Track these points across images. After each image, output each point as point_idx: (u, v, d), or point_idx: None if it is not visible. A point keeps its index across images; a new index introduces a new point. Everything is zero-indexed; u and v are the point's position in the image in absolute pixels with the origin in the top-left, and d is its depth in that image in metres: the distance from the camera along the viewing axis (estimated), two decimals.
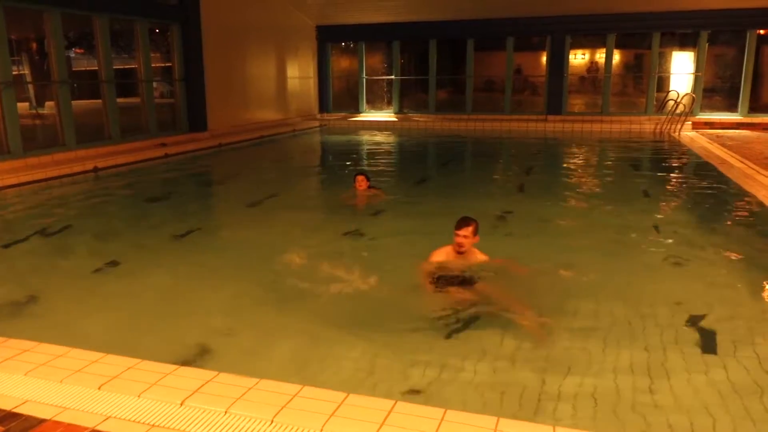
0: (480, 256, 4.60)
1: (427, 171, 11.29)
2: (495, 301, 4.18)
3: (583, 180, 9.77)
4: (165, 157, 11.53)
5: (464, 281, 4.32)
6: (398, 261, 5.01)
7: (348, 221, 6.56)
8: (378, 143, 15.45)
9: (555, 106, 17.67)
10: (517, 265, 4.84)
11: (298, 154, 13.82)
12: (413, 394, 3.03)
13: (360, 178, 7.47)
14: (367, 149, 14.58)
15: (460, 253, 4.50)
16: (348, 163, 11.83)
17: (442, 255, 4.60)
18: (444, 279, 4.38)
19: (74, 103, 10.95)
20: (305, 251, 5.51)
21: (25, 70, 11.15)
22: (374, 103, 19.88)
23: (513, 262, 4.84)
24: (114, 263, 5.13)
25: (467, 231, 4.45)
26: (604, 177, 10.12)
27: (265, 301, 4.31)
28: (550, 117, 17.41)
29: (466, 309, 4.03)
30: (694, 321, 3.88)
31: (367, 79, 19.73)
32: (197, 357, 3.43)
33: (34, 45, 11.32)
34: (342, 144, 15.42)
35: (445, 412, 2.53)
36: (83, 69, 12.62)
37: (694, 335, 3.71)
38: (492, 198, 8.11)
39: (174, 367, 2.98)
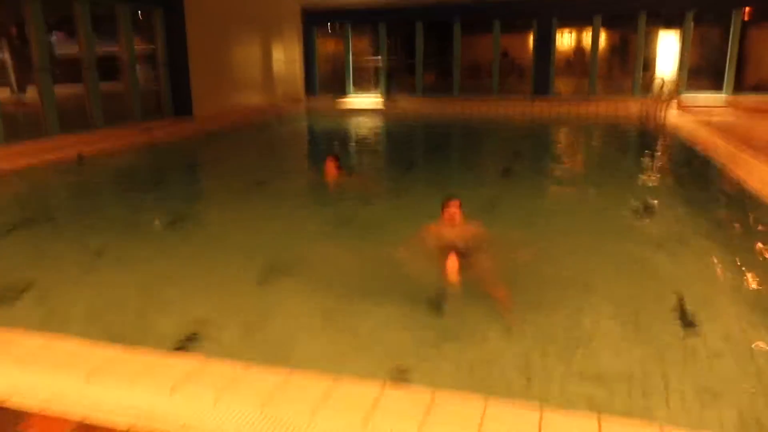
0: (471, 225, 4.78)
1: (412, 154, 11.27)
2: (482, 276, 4.28)
3: (569, 162, 9.82)
4: (150, 142, 11.40)
5: (459, 251, 4.42)
6: (386, 241, 5.03)
7: (332, 205, 6.60)
8: (364, 126, 15.38)
9: (542, 88, 17.67)
10: (498, 242, 4.95)
11: (284, 138, 13.74)
12: (401, 374, 3.05)
13: (330, 161, 7.34)
14: (354, 132, 14.51)
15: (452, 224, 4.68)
16: (335, 144, 11.78)
17: (434, 227, 4.78)
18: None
19: (57, 88, 10.78)
20: (293, 235, 5.56)
21: (5, 56, 10.94)
22: (361, 86, 19.77)
23: (492, 237, 4.94)
24: (100, 251, 5.09)
25: (456, 203, 4.66)
26: (590, 159, 10.18)
27: (253, 285, 4.31)
28: (537, 99, 17.42)
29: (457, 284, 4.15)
30: (676, 304, 3.93)
31: (353, 63, 19.59)
32: (187, 344, 3.42)
33: (14, 30, 11.09)
34: (328, 127, 15.34)
35: (434, 394, 2.56)
36: (66, 54, 12.42)
37: (675, 318, 3.76)
38: (478, 182, 8.13)
39: (163, 354, 2.98)
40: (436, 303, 3.87)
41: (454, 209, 4.69)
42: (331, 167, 7.36)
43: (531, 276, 4.38)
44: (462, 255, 4.38)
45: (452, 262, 4.24)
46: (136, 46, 12.85)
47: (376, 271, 4.58)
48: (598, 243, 5.22)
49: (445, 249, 4.42)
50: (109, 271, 4.65)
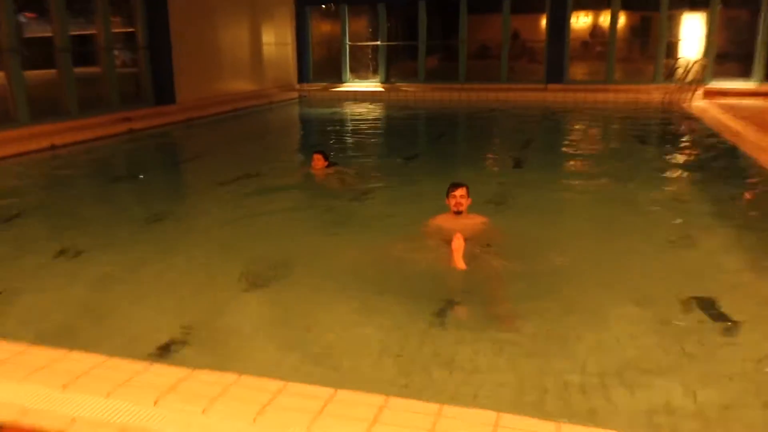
0: (477, 217, 5.01)
1: (416, 146, 11.27)
2: (487, 273, 4.35)
3: (586, 154, 9.82)
4: (129, 132, 11.40)
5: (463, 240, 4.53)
6: (385, 239, 5.08)
7: (328, 202, 6.63)
8: (363, 116, 15.36)
9: (555, 74, 17.66)
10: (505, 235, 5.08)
11: (275, 128, 13.75)
12: (403, 387, 3.04)
13: (316, 156, 7.58)
14: (351, 122, 14.51)
15: (458, 213, 4.91)
16: (330, 138, 11.78)
17: (439, 219, 4.99)
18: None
19: (27, 74, 10.76)
20: (284, 233, 5.56)
21: None
22: (359, 72, 19.75)
23: (499, 232, 5.08)
24: (76, 251, 5.08)
25: (462, 191, 4.90)
26: (609, 150, 10.18)
27: (242, 289, 4.30)
28: (550, 86, 17.41)
29: (461, 281, 4.23)
30: (701, 303, 3.93)
31: (350, 46, 19.56)
32: (171, 353, 3.42)
33: None
34: (324, 117, 15.32)
35: (441, 408, 2.55)
36: (37, 36, 12.38)
37: (701, 316, 3.76)
38: (487, 174, 8.13)
39: (146, 363, 2.97)
40: (439, 311, 3.85)
41: (460, 196, 4.87)
42: (318, 163, 7.52)
43: (543, 275, 4.38)
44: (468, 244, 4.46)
45: (458, 242, 4.30)
46: (113, 28, 12.83)
47: (374, 271, 4.59)
48: (617, 239, 5.22)
49: (450, 236, 4.50)
50: (82, 274, 4.63)
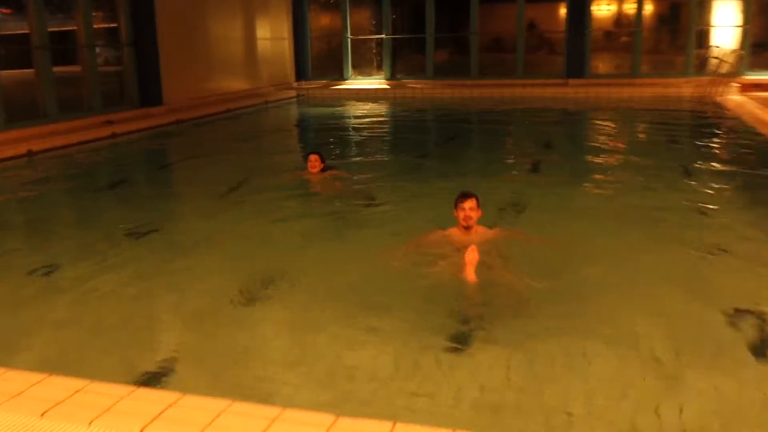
0: (488, 232, 5.00)
1: (424, 148, 11.29)
2: (505, 287, 4.37)
3: (611, 155, 9.79)
4: (112, 137, 11.47)
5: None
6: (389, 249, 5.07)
7: (327, 210, 6.65)
8: (366, 115, 15.41)
9: (576, 67, 17.67)
10: (528, 236, 5.18)
11: (271, 130, 13.79)
12: (411, 413, 3.04)
13: (313, 157, 7.57)
14: (354, 123, 14.56)
15: (466, 228, 4.85)
16: (331, 140, 11.82)
17: (448, 233, 4.95)
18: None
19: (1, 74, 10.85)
20: (281, 245, 5.58)
21: None
22: (362, 68, 19.82)
23: (522, 233, 5.17)
24: (54, 267, 5.10)
25: (472, 203, 4.81)
26: (636, 151, 10.14)
27: (236, 307, 4.31)
28: (571, 81, 17.43)
29: (472, 301, 4.23)
30: (736, 320, 3.91)
31: (352, 40, 19.65)
32: (159, 377, 3.43)
33: None
34: (324, 117, 15.39)
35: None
36: (12, 33, 12.50)
37: (738, 336, 3.74)
38: (501, 179, 8.12)
39: (132, 388, 2.98)
40: (452, 332, 3.85)
41: (469, 209, 4.80)
42: (313, 165, 7.54)
43: (566, 292, 4.36)
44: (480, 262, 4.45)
45: (472, 255, 4.31)
46: (95, 23, 12.93)
47: (378, 286, 4.60)
48: (648, 250, 5.20)
49: (462, 250, 4.51)
50: (61, 292, 4.65)
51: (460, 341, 3.72)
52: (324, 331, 3.92)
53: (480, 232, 4.97)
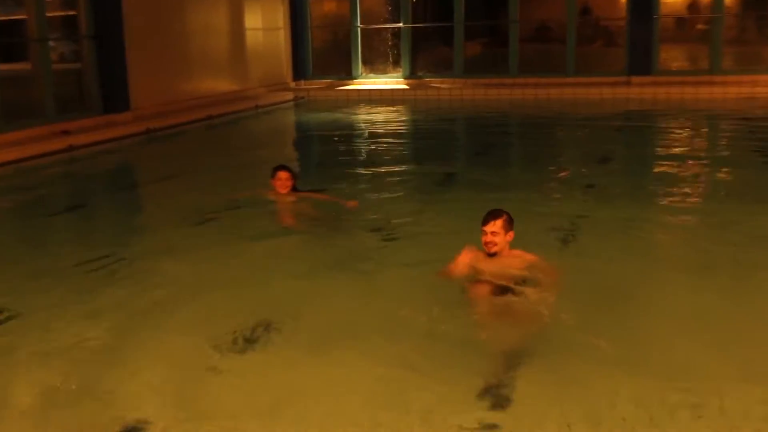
0: (524, 256, 5.09)
1: (452, 162, 11.29)
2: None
3: (685, 172, 9.72)
4: (69, 150, 11.57)
5: (498, 290, 4.68)
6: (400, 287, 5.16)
7: (323, 238, 6.74)
8: (380, 123, 15.47)
9: (641, 62, 17.66)
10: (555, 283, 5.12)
11: (263, 142, 13.76)
12: None
13: (282, 174, 7.46)
14: (365, 132, 14.60)
15: (491, 255, 5.01)
16: (339, 152, 11.83)
17: (468, 257, 5.13)
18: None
19: None
20: (268, 281, 5.64)
21: None
22: (374, 65, 19.91)
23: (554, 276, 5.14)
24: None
25: (495, 225, 4.94)
26: (718, 167, 10.08)
27: (217, 356, 4.36)
28: (634, 78, 17.41)
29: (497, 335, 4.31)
30: None
31: (363, 30, 19.77)
32: None
33: None
34: (327, 125, 15.40)
35: None
36: None
37: None
38: (547, 201, 8.12)
39: None
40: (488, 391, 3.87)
41: (491, 233, 4.95)
42: (283, 184, 7.49)
43: (616, 344, 4.37)
44: (503, 290, 4.60)
45: (480, 291, 4.40)
46: (49, 12, 13.04)
47: (382, 330, 4.65)
48: (734, 296, 5.17)
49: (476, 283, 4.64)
50: (9, 341, 4.69)
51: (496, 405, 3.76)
52: (318, 386, 3.96)
53: (511, 256, 5.06)
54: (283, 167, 7.64)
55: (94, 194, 9.69)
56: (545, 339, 4.48)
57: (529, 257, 5.13)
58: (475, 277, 5.04)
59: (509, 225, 4.99)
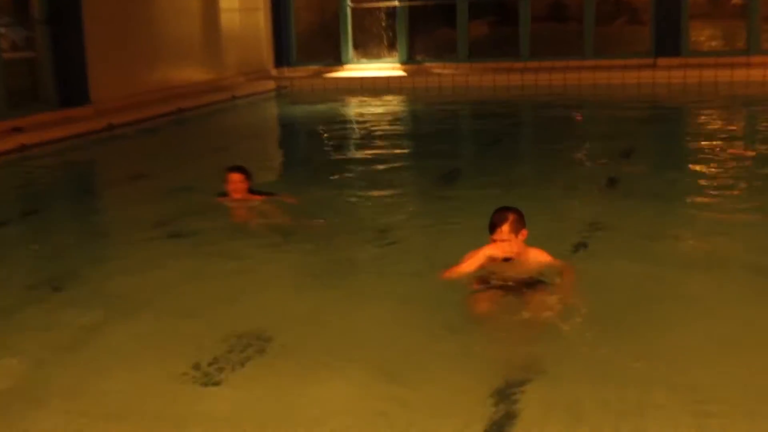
0: (539, 256, 5.22)
1: (456, 157, 11.30)
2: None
3: (719, 167, 9.74)
4: (21, 150, 11.56)
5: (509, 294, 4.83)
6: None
7: (320, 256, 6.67)
8: (374, 114, 15.48)
9: (669, 42, 17.66)
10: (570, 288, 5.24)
11: (241, 137, 13.75)
12: None
13: (235, 177, 7.51)
14: (356, 126, 14.60)
15: (506, 260, 5.10)
16: (328, 150, 11.83)
17: (482, 258, 5.16)
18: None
19: None
20: (250, 295, 5.67)
21: None
22: (367, 49, 19.91)
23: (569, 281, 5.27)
24: None
25: (502, 232, 4.99)
26: (757, 162, 10.10)
27: (195, 382, 4.34)
28: (661, 60, 17.42)
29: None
30: None
31: (353, 9, 19.77)
32: None
33: None
34: (313, 118, 15.41)
35: None
36: None
37: None
38: (566, 200, 8.13)
39: None
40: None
41: (501, 231, 5.00)
42: (236, 188, 7.53)
43: (636, 357, 4.38)
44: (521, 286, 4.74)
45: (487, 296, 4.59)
46: None
47: (383, 344, 4.65)
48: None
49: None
50: None
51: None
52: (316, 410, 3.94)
53: (522, 263, 5.14)
54: (234, 168, 7.65)
55: (47, 200, 9.66)
56: (554, 353, 4.48)
57: (547, 258, 5.21)
58: (484, 279, 5.14)
59: (519, 224, 5.04)
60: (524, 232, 5.07)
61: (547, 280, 5.19)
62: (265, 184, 8.35)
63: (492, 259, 5.11)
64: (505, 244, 4.98)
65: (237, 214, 7.76)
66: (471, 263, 5.13)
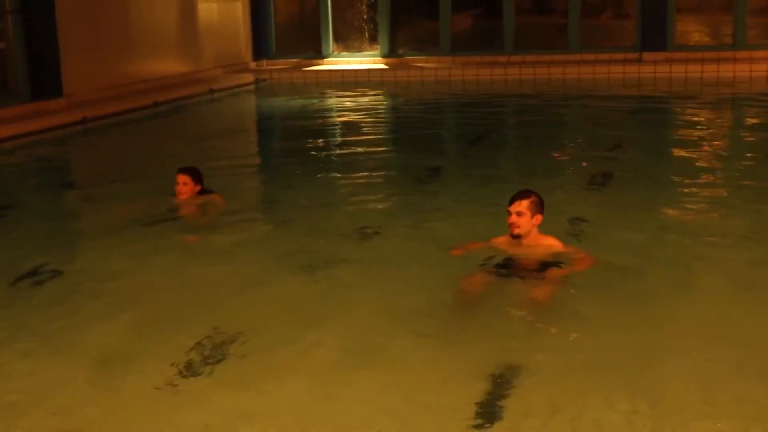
0: (549, 242, 5.51)
1: (439, 154, 11.29)
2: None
3: (707, 163, 9.80)
4: None
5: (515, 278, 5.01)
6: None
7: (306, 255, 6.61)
8: (355, 108, 15.47)
9: (655, 36, 17.74)
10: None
11: (218, 131, 13.74)
12: None
13: (180, 178, 7.60)
14: (337, 120, 14.61)
15: (515, 237, 5.35)
16: (308, 145, 11.82)
17: (496, 240, 5.55)
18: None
19: None
20: (226, 297, 5.63)
21: None
22: (348, 41, 19.93)
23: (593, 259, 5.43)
24: None
25: (521, 205, 5.28)
26: (745, 157, 10.15)
27: (168, 386, 4.27)
28: (647, 54, 17.49)
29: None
30: None
31: (334, 0, 19.76)
32: None
33: None
34: (293, 112, 15.41)
35: None
36: None
37: None
38: (553, 195, 8.08)
39: None
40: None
41: (516, 213, 5.28)
42: (180, 189, 7.62)
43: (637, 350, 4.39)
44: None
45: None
46: None
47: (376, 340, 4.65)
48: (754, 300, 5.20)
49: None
50: None
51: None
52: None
53: (534, 247, 5.36)
54: (182, 170, 7.72)
55: (18, 196, 9.58)
56: (547, 343, 4.51)
57: (561, 246, 5.45)
58: (490, 263, 5.35)
59: (537, 208, 5.33)
60: (539, 217, 5.34)
61: (557, 268, 5.32)
62: (240, 180, 8.35)
63: (500, 241, 5.42)
64: (516, 219, 5.22)
65: (185, 212, 7.87)
66: (481, 243, 5.47)
